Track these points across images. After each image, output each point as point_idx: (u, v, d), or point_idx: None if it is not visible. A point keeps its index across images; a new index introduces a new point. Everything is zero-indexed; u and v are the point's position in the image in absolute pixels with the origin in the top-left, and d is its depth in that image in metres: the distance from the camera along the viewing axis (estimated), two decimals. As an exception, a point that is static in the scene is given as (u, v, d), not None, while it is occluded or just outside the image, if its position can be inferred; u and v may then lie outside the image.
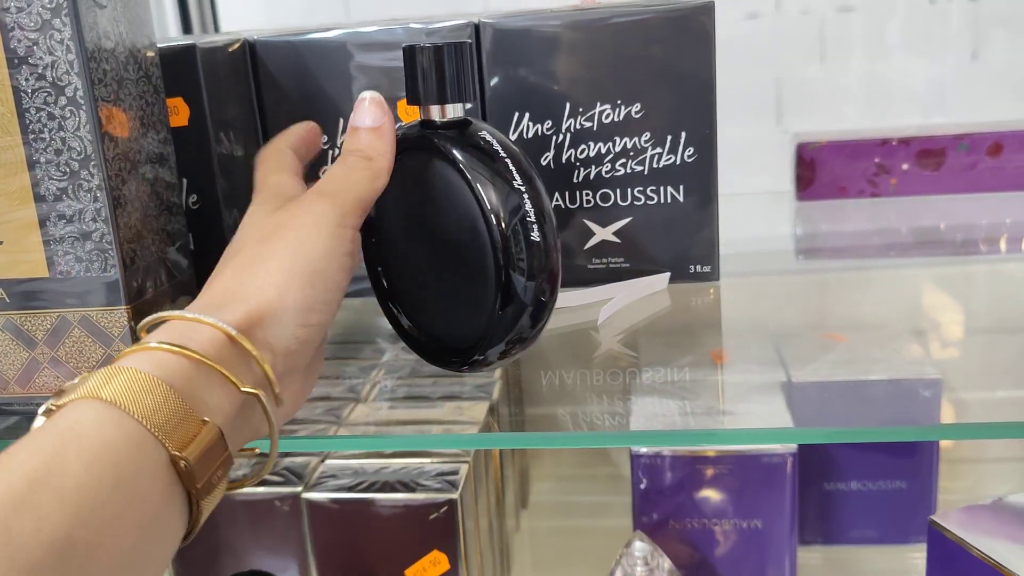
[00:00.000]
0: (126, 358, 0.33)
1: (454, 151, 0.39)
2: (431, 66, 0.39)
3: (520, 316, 0.39)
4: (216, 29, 0.88)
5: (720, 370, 0.57)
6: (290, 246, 0.37)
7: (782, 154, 0.83)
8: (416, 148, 0.40)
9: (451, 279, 0.41)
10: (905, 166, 0.70)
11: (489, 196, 0.38)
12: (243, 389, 0.34)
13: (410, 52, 0.40)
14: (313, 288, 0.36)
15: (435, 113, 0.40)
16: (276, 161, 0.43)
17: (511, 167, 0.39)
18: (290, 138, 0.45)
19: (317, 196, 0.38)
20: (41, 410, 0.31)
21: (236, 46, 0.53)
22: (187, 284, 0.47)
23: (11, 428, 0.44)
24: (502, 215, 0.38)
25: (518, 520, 0.83)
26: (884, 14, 0.82)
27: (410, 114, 0.54)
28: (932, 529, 0.56)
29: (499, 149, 0.39)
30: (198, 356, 0.33)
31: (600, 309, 0.52)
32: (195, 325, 0.34)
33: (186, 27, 0.85)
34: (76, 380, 0.32)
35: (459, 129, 0.40)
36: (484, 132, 0.40)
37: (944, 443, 0.80)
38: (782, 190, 0.85)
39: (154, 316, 0.36)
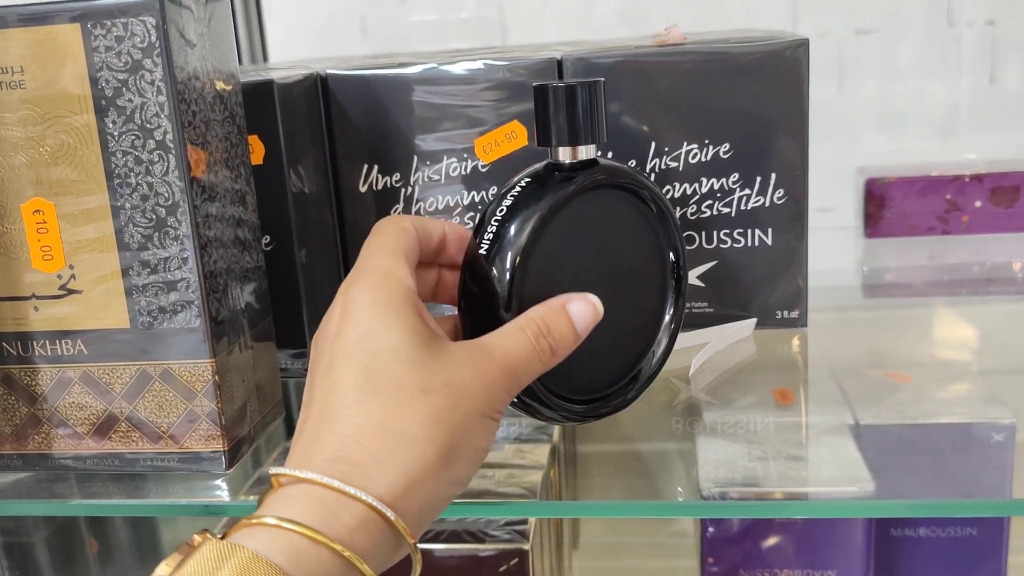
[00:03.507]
0: (249, 533, 0.29)
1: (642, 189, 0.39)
2: (564, 105, 0.37)
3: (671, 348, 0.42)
4: (265, 59, 0.87)
5: (788, 411, 0.55)
6: (445, 421, 0.32)
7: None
8: (593, 190, 0.38)
9: (620, 315, 0.39)
10: (978, 203, 0.68)
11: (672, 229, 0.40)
12: None
13: (542, 91, 0.38)
14: (461, 458, 0.33)
15: (565, 155, 0.38)
16: (394, 237, 0.36)
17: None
18: (423, 222, 0.39)
19: (504, 375, 0.34)
20: None
21: (309, 80, 0.51)
22: (267, 331, 0.45)
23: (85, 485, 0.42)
24: (680, 246, 0.41)
25: (571, 561, 0.81)
26: (901, 37, 0.81)
27: (487, 153, 0.52)
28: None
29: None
30: (342, 552, 0.28)
31: (693, 357, 0.50)
32: (343, 499, 0.30)
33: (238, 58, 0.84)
34: (194, 540, 0.28)
35: (604, 170, 0.39)
36: (632, 171, 0.40)
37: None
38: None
39: (291, 474, 0.31)
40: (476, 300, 0.37)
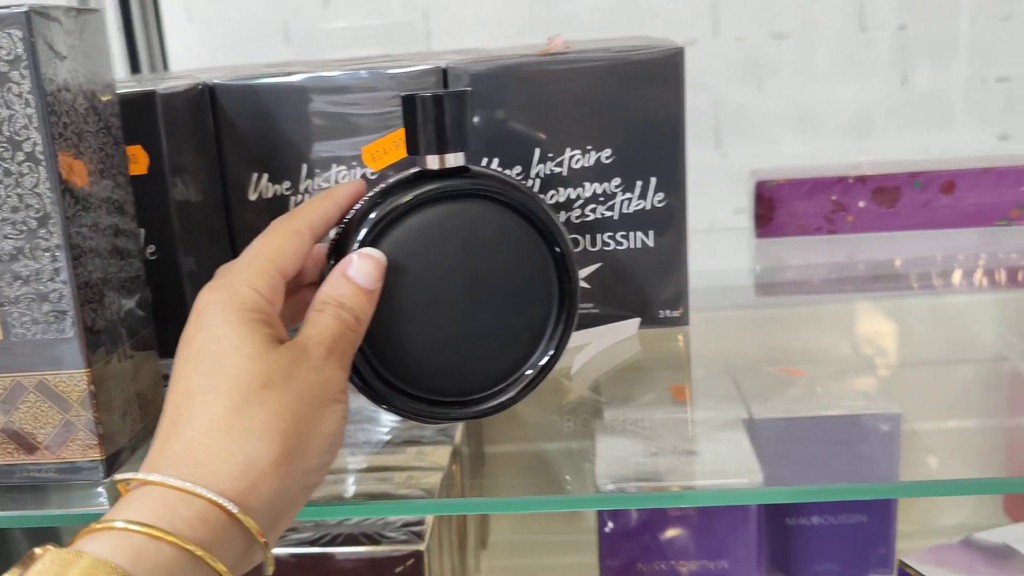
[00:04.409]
0: (92, 539, 0.29)
1: (511, 192, 0.40)
2: (431, 115, 0.39)
3: (566, 340, 0.42)
4: (165, 67, 0.86)
5: (684, 407, 0.57)
6: (287, 414, 0.33)
7: (721, 177, 0.84)
8: (453, 196, 0.39)
9: (490, 320, 0.40)
10: (862, 203, 0.71)
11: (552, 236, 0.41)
12: None
13: (410, 101, 0.39)
14: (310, 447, 0.34)
15: (433, 163, 0.39)
16: (274, 244, 0.38)
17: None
18: (326, 221, 0.40)
19: (328, 355, 0.35)
20: None
21: (195, 90, 0.52)
22: (148, 340, 0.45)
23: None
24: (563, 253, 0.41)
25: (478, 561, 0.82)
26: (816, 41, 0.84)
27: (375, 160, 0.53)
28: (901, 570, 0.56)
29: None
30: (183, 545, 0.29)
31: (574, 357, 0.51)
32: (184, 497, 0.30)
33: (134, 66, 0.83)
34: (35, 553, 0.28)
35: (470, 175, 0.40)
36: (502, 174, 0.41)
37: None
38: (725, 213, 0.86)
39: (134, 478, 0.32)
40: None
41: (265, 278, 0.36)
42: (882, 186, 0.71)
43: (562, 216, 0.53)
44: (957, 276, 0.72)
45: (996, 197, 0.70)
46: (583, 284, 0.54)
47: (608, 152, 0.52)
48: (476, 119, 0.51)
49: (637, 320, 0.54)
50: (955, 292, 0.72)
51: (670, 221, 0.53)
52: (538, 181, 0.53)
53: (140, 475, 0.31)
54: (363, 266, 0.37)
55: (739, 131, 0.87)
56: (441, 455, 0.56)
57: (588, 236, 0.53)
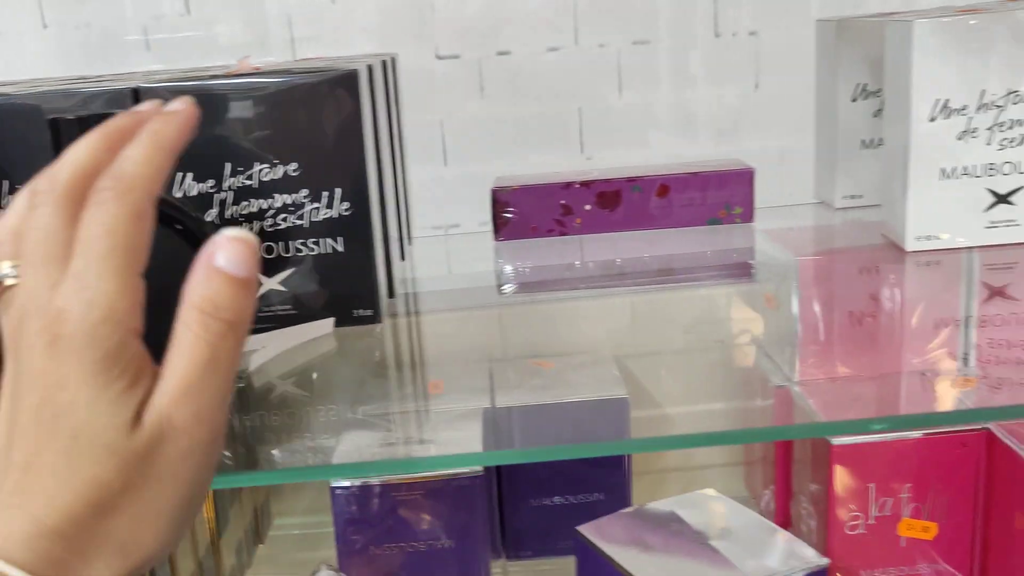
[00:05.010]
0: None
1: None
2: (76, 137, 0.38)
3: None
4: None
5: (430, 400, 0.62)
6: (170, 494, 0.30)
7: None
8: None
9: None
10: (587, 207, 0.77)
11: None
12: None
13: (55, 125, 0.40)
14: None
15: None
16: (138, 238, 0.31)
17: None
18: (163, 173, 0.32)
19: (196, 425, 0.30)
20: None
21: None
22: None
23: None
24: None
25: (252, 556, 0.85)
26: (672, 47, 0.88)
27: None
28: (576, 539, 0.62)
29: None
30: None
31: (270, 355, 0.56)
32: None
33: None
34: None
35: None
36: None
37: (644, 456, 0.88)
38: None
39: None
40: None
41: (128, 295, 0.30)
42: (604, 191, 0.77)
43: (255, 225, 0.58)
44: (675, 272, 0.79)
45: (706, 199, 0.77)
46: (280, 288, 0.59)
47: (295, 166, 0.57)
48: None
49: (331, 320, 0.59)
50: (675, 287, 0.79)
51: (357, 227, 0.58)
52: (231, 193, 0.57)
53: None
54: (232, 250, 0.31)
55: (603, 136, 0.91)
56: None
57: (281, 243, 0.58)
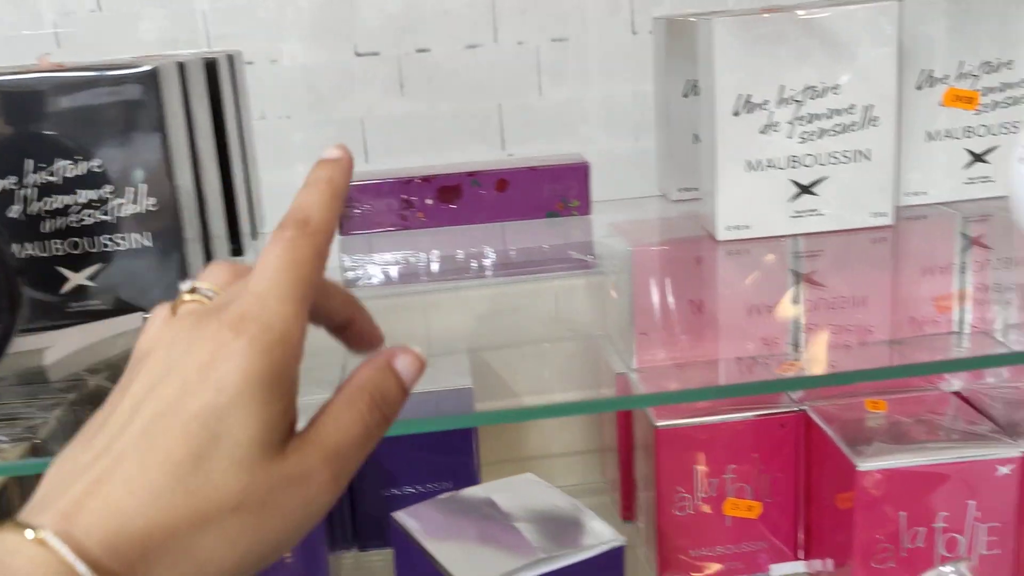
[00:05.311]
0: None
1: None
2: None
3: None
4: None
5: None
6: (274, 529, 0.29)
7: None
8: None
9: None
10: (429, 201, 0.79)
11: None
12: None
13: None
14: None
15: None
16: (315, 272, 0.32)
17: None
18: (335, 218, 0.33)
19: (334, 478, 0.31)
20: None
21: None
22: None
23: None
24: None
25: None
26: (590, 44, 0.89)
27: None
28: (392, 525, 0.63)
29: None
30: None
31: (47, 351, 0.56)
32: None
33: None
34: None
35: None
36: None
37: (503, 445, 0.90)
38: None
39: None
40: None
41: (302, 325, 0.31)
42: (445, 185, 0.79)
43: (60, 221, 0.58)
44: (516, 264, 0.80)
45: (543, 193, 0.79)
46: (88, 283, 0.59)
47: (98, 162, 0.57)
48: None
49: (140, 314, 0.59)
50: (516, 279, 0.81)
51: (165, 222, 0.59)
52: (36, 190, 0.57)
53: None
54: (408, 363, 0.34)
55: (523, 132, 0.91)
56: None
57: (87, 239, 0.59)
